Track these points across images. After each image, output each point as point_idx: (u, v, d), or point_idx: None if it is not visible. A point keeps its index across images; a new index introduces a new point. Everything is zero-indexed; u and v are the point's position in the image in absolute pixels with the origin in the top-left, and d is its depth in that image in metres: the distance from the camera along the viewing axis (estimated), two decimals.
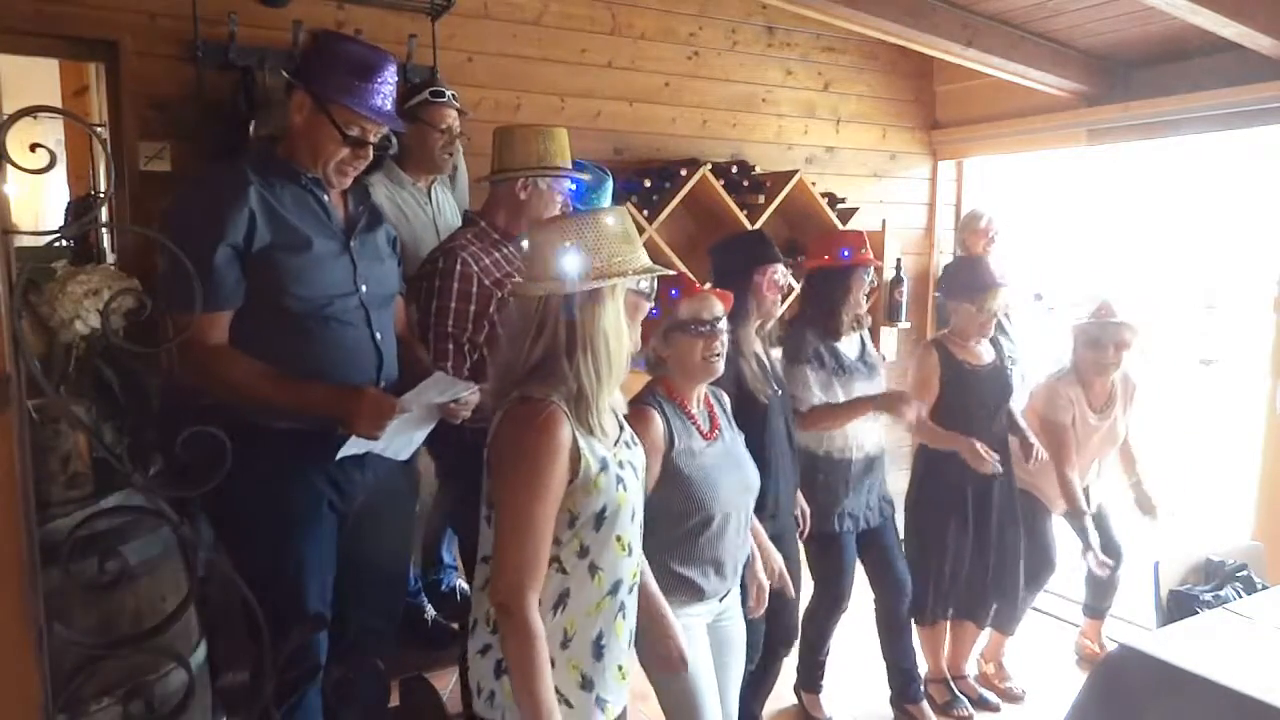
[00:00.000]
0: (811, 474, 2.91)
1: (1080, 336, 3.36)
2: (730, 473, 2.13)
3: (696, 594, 2.07)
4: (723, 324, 2.10)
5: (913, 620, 3.17)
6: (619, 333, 1.54)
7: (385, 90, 2.01)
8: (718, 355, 2.08)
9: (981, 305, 3.07)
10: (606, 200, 3.21)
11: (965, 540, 3.14)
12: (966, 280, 3.13)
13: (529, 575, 1.48)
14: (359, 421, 1.91)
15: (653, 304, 1.67)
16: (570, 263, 1.49)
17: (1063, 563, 3.51)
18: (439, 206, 3.16)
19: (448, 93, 3.06)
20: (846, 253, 2.96)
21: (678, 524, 2.03)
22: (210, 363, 1.91)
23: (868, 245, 3.02)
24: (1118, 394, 3.41)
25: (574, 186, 2.80)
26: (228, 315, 1.93)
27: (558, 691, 1.51)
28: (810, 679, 3.22)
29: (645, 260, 1.57)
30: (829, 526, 2.93)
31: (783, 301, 2.83)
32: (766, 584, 2.31)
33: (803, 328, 2.99)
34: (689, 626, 2.01)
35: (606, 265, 1.50)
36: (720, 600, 2.16)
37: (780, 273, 2.70)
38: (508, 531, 1.49)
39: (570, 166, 2.63)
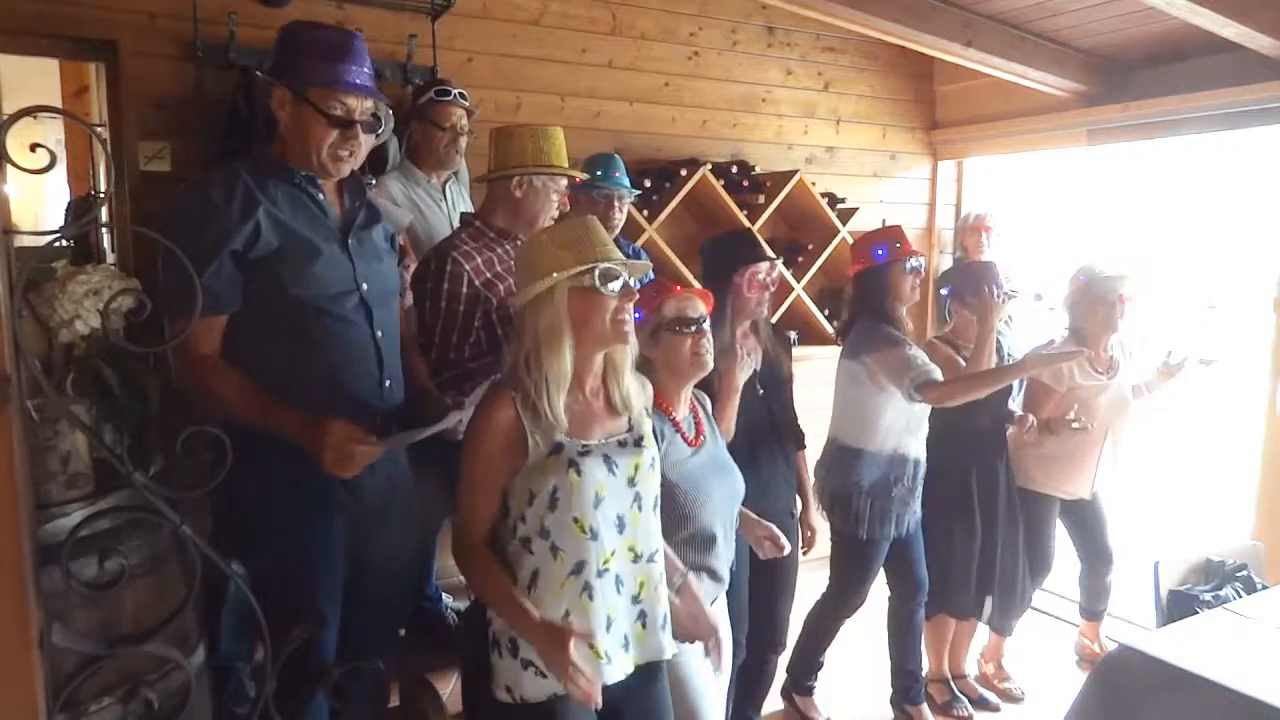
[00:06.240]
0: (869, 474, 2.90)
1: (1084, 298, 3.35)
2: (717, 481, 2.11)
3: None
4: (707, 323, 2.09)
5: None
6: (553, 331, 1.68)
7: (358, 67, 1.99)
8: (706, 351, 2.07)
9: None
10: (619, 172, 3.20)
11: (971, 538, 3.14)
12: (975, 286, 3.05)
13: (474, 522, 1.74)
14: (322, 459, 1.86)
15: (616, 296, 1.69)
16: (520, 279, 1.73)
17: (1060, 563, 3.51)
18: (453, 204, 3.20)
19: (454, 91, 3.09)
20: (881, 252, 2.95)
21: (670, 536, 1.99)
22: (196, 371, 1.89)
23: (903, 239, 2.99)
24: (1119, 361, 3.40)
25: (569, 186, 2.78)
26: (220, 321, 1.91)
27: (533, 664, 1.69)
28: (801, 681, 3.19)
29: (591, 259, 1.67)
30: (871, 531, 2.91)
31: (773, 298, 2.78)
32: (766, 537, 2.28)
33: (871, 322, 2.95)
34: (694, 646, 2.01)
35: (543, 272, 1.67)
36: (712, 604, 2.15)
37: (764, 271, 2.64)
38: (460, 490, 1.75)
39: (566, 166, 2.60)
